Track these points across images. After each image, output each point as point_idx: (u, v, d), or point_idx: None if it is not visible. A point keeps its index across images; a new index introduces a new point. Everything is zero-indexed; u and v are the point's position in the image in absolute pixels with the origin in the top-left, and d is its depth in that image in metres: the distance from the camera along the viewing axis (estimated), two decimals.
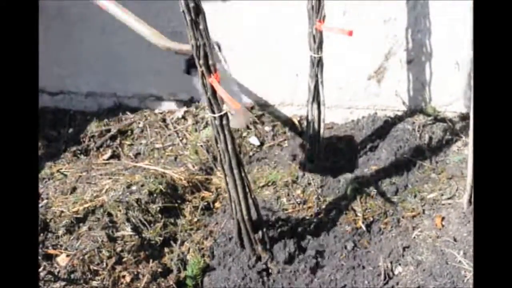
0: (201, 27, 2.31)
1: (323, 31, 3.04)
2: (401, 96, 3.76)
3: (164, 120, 3.92)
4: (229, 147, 2.55)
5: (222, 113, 2.48)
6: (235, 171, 2.61)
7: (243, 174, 2.64)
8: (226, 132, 2.53)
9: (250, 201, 2.72)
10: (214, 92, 2.43)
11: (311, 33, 3.06)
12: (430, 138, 3.46)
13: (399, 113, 3.74)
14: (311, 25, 3.05)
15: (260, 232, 2.81)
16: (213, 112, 2.48)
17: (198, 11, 2.27)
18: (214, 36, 3.56)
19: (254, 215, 2.78)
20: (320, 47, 3.08)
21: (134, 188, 3.15)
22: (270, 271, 2.84)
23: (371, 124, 3.63)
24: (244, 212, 2.71)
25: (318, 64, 3.11)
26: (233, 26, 3.75)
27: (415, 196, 3.15)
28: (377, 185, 3.22)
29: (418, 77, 3.69)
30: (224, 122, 2.50)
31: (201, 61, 2.37)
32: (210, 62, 2.37)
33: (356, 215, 3.06)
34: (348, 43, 3.50)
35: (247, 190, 2.68)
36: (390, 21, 3.58)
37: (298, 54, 3.64)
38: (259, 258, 2.83)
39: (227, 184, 2.67)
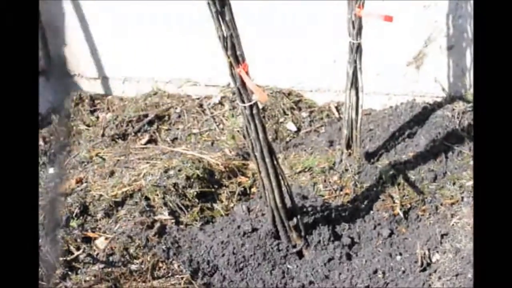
0: (227, 18, 2.31)
1: (363, 17, 3.01)
2: (440, 83, 3.72)
3: (201, 106, 3.93)
4: (260, 136, 2.55)
5: (252, 102, 2.48)
6: (267, 160, 2.61)
7: (275, 163, 2.64)
8: (257, 121, 2.52)
9: (284, 189, 2.71)
10: (242, 82, 2.43)
11: (350, 19, 3.03)
12: (470, 125, 3.41)
13: (438, 100, 3.69)
14: (350, 11, 3.02)
15: (294, 219, 2.80)
16: (242, 101, 2.48)
17: (224, 2, 2.28)
18: (249, 21, 3.56)
19: (288, 203, 2.78)
20: (359, 33, 3.05)
21: (171, 172, 3.17)
22: (305, 257, 2.84)
23: (410, 110, 3.59)
24: (278, 200, 2.71)
25: (357, 50, 3.08)
26: (270, 11, 3.74)
27: (454, 184, 3.11)
28: (415, 172, 3.19)
29: (458, 63, 3.64)
30: (254, 111, 2.50)
31: (229, 52, 2.37)
32: (238, 52, 2.38)
33: (394, 202, 3.04)
34: (387, 29, 3.46)
35: (280, 178, 2.68)
36: (431, 7, 3.53)
37: (335, 41, 3.62)
38: (294, 246, 2.83)
39: (260, 172, 2.67)
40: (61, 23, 4.06)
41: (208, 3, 2.29)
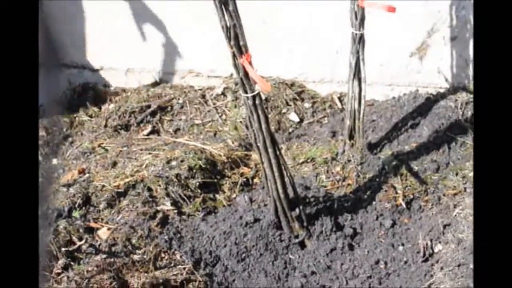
0: (230, 8, 2.31)
1: (365, 7, 3.00)
2: (443, 73, 3.70)
3: (203, 96, 3.92)
4: (263, 126, 2.55)
5: (254, 93, 2.48)
6: (270, 150, 2.61)
7: (278, 153, 2.64)
8: (260, 112, 2.52)
9: (286, 179, 2.71)
10: (245, 72, 2.42)
11: (353, 9, 3.02)
12: (473, 116, 3.40)
13: (441, 90, 3.68)
14: (353, 1, 3.01)
15: (297, 210, 2.80)
16: (245, 92, 2.48)
17: None
18: (252, 11, 3.56)
19: (291, 193, 2.78)
20: (362, 23, 3.04)
21: (173, 163, 3.17)
22: (307, 248, 2.84)
23: (412, 101, 3.58)
24: (280, 191, 2.71)
25: (359, 40, 3.07)
26: (272, 1, 3.73)
27: (456, 174, 3.10)
28: (418, 162, 3.19)
29: (462, 54, 3.63)
30: (257, 101, 2.50)
31: (232, 42, 2.37)
32: (241, 42, 2.37)
33: (396, 192, 3.04)
34: (390, 19, 3.45)
35: (283, 168, 2.68)
36: None
37: (338, 31, 3.61)
38: (296, 236, 2.84)
39: (262, 163, 2.67)
40: (63, 14, 4.06)
41: None
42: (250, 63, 2.41)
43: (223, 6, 2.32)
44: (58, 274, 2.56)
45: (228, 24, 2.35)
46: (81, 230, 2.78)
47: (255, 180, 3.28)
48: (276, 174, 2.67)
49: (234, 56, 2.42)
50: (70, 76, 4.23)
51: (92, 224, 2.84)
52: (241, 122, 3.65)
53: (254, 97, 2.49)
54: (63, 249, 2.65)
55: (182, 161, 3.18)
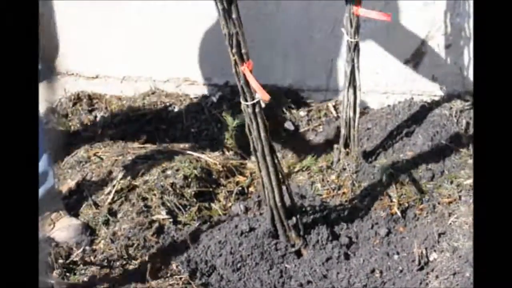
0: (233, 16, 2.32)
1: (360, 15, 3.01)
2: (438, 81, 3.72)
3: (199, 105, 3.92)
4: (262, 134, 2.55)
5: (254, 101, 2.49)
6: (268, 158, 2.61)
7: (276, 161, 2.64)
8: (259, 120, 2.53)
9: (283, 188, 2.72)
10: (246, 80, 2.43)
11: (348, 17, 3.03)
12: (468, 124, 3.41)
13: (436, 98, 3.70)
14: (348, 9, 3.02)
15: (293, 219, 2.80)
16: (245, 100, 2.49)
17: (231, 0, 2.28)
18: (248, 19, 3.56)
19: (287, 202, 2.78)
20: (357, 31, 3.05)
21: (169, 172, 3.17)
22: (303, 257, 2.84)
23: (407, 109, 3.59)
24: (277, 199, 2.71)
25: (354, 48, 3.08)
26: (266, 10, 3.73)
27: (451, 182, 3.11)
28: (413, 170, 3.19)
29: (456, 61, 3.64)
30: (257, 110, 2.51)
31: (234, 50, 2.38)
32: (243, 50, 2.38)
33: (391, 201, 3.04)
34: (385, 27, 3.46)
35: (280, 177, 2.68)
36: (429, 5, 3.53)
37: (333, 39, 3.62)
38: (292, 245, 2.84)
39: (260, 171, 2.68)
40: (58, 22, 4.06)
41: (216, 1, 2.29)
42: (251, 71, 2.41)
43: (226, 14, 2.33)
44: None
45: (230, 32, 2.36)
46: None
47: (251, 189, 3.28)
48: (274, 182, 2.67)
49: (235, 63, 2.42)
50: (65, 84, 4.22)
51: None
52: (236, 130, 3.65)
53: (253, 105, 2.50)
54: (59, 260, 2.65)
55: (177, 170, 3.18)
